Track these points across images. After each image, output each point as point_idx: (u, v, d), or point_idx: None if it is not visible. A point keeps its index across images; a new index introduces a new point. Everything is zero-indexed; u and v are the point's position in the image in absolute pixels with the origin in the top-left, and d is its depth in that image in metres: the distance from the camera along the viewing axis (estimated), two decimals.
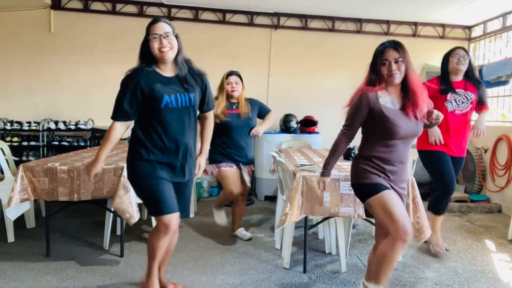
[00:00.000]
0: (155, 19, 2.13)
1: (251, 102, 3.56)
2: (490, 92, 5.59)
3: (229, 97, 3.45)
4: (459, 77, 3.26)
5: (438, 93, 3.17)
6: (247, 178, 3.54)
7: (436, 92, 3.14)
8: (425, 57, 5.86)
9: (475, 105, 3.27)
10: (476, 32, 6.02)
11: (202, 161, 2.42)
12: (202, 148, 2.45)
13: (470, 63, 3.26)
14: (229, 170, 3.42)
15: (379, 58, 2.08)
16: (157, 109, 2.11)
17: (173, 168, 2.21)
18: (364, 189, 2.15)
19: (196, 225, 4.04)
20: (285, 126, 5.44)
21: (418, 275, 2.93)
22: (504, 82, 5.01)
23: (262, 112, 3.63)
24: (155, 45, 2.08)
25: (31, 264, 2.94)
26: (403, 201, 2.17)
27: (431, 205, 3.35)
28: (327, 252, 3.32)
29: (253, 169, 3.69)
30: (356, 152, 3.41)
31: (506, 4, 4.99)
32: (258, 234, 3.82)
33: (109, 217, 3.26)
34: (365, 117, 2.12)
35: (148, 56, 2.13)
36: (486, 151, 5.23)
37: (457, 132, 3.24)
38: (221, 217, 3.61)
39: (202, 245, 3.44)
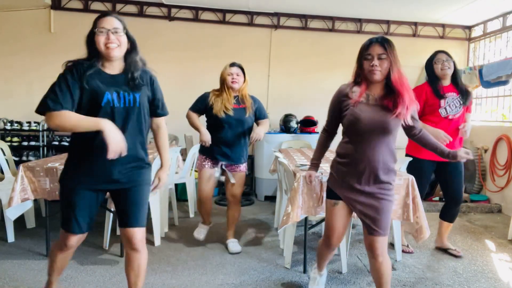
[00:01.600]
0: (105, 13, 1.93)
1: (253, 99, 3.32)
2: (490, 92, 5.60)
3: (229, 89, 3.20)
4: (447, 81, 3.19)
5: (431, 99, 3.14)
6: (232, 180, 3.26)
7: (429, 99, 3.15)
8: (425, 57, 5.72)
9: (466, 109, 3.21)
10: (476, 32, 6.02)
11: (162, 175, 2.19)
12: (162, 161, 2.22)
13: (455, 66, 3.18)
14: (206, 170, 3.24)
15: (363, 52, 2.02)
16: (96, 108, 1.86)
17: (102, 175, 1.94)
18: (327, 188, 2.24)
19: (196, 225, 4.03)
20: (285, 126, 5.44)
21: (418, 275, 2.93)
22: (504, 82, 5.01)
23: (259, 115, 3.33)
24: (100, 40, 1.86)
25: (31, 264, 2.94)
26: (370, 208, 2.07)
27: (443, 214, 3.37)
28: None
29: (243, 170, 3.33)
30: None
31: (506, 4, 4.99)
32: (258, 234, 3.82)
33: (109, 217, 3.26)
34: (338, 111, 2.12)
35: (92, 51, 1.90)
36: (486, 151, 5.23)
37: (452, 136, 3.15)
38: (199, 231, 3.43)
39: (202, 245, 3.44)
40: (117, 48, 1.89)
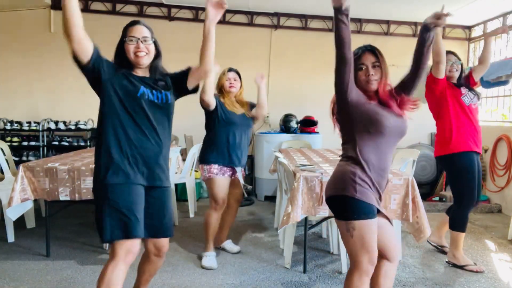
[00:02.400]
0: (134, 21, 2.00)
1: (249, 104, 3.28)
2: (490, 92, 5.60)
3: (228, 94, 3.14)
4: (453, 81, 3.13)
5: (450, 88, 3.00)
6: (242, 182, 3.19)
7: (448, 88, 3.00)
8: None
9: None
10: (476, 32, 6.02)
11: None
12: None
13: (461, 68, 3.13)
14: (221, 178, 3.04)
15: (356, 62, 1.86)
16: (133, 99, 1.92)
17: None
18: (353, 204, 1.79)
19: (196, 225, 4.04)
20: (285, 126, 5.44)
21: (418, 275, 2.93)
22: (504, 82, 5.01)
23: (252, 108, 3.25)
24: (130, 48, 1.94)
25: (31, 264, 2.94)
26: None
27: (455, 223, 3.06)
28: (331, 251, 3.32)
29: (245, 173, 3.32)
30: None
31: (506, 4, 4.99)
32: (258, 234, 3.82)
33: None
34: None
35: (122, 59, 1.98)
36: (486, 151, 5.23)
37: (476, 127, 3.03)
38: (211, 260, 3.02)
39: (202, 245, 3.43)
40: (146, 56, 1.96)
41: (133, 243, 1.88)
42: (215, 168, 3.01)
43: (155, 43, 2.02)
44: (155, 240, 2.05)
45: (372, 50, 1.90)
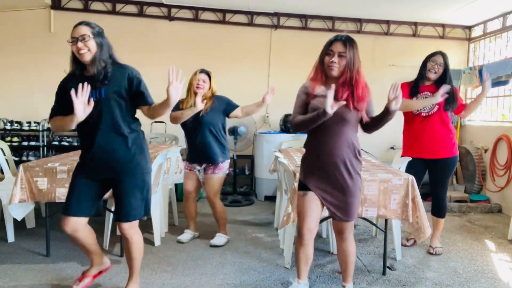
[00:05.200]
0: (77, 23, 2.19)
1: (217, 98, 3.37)
2: (490, 92, 5.58)
3: (194, 94, 3.25)
4: (429, 82, 3.23)
5: (405, 96, 3.15)
6: (201, 179, 3.47)
7: (407, 92, 3.23)
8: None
9: (442, 106, 3.19)
10: (476, 32, 6.02)
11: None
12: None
13: (446, 71, 3.16)
14: (187, 172, 3.49)
15: (327, 48, 2.13)
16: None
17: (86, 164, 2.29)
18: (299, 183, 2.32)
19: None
20: (285, 126, 5.44)
21: (418, 275, 2.93)
22: (504, 82, 5.01)
23: (229, 109, 3.38)
24: (74, 49, 2.16)
25: (31, 264, 2.94)
26: (334, 198, 2.20)
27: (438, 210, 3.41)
28: (331, 251, 3.32)
29: (216, 172, 3.38)
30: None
31: (506, 4, 4.99)
32: (258, 234, 3.82)
33: (109, 217, 3.26)
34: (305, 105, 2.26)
35: (76, 61, 2.22)
36: (486, 151, 5.23)
37: (428, 134, 3.22)
38: (186, 236, 3.54)
39: (202, 245, 3.44)
40: (87, 53, 2.15)
41: None
42: (185, 164, 3.52)
43: (99, 36, 2.18)
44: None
45: (344, 40, 2.08)
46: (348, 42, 2.08)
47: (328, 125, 2.12)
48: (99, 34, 2.20)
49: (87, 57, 2.15)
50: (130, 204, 2.26)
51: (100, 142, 2.21)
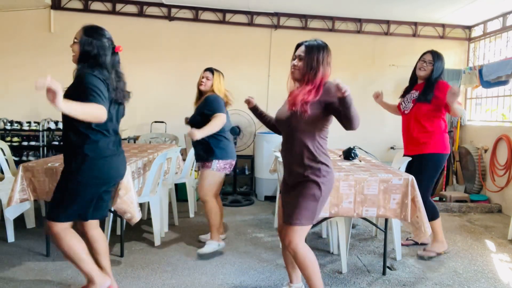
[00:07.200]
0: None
1: (206, 98, 3.25)
2: (490, 92, 5.60)
3: (199, 91, 3.41)
4: (421, 80, 3.30)
5: (404, 93, 3.45)
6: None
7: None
8: None
9: (414, 103, 3.23)
10: (476, 32, 6.02)
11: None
12: None
13: (434, 70, 3.16)
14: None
15: (294, 52, 2.20)
16: None
17: None
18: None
19: (196, 225, 4.04)
20: None
21: (418, 275, 2.93)
22: (504, 82, 5.01)
23: (207, 112, 3.18)
24: None
25: (31, 264, 2.94)
26: (288, 194, 2.17)
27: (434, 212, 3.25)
28: (331, 251, 3.32)
29: (203, 169, 3.27)
30: (356, 151, 3.44)
31: (506, 4, 4.99)
32: (258, 234, 3.82)
33: (109, 217, 3.25)
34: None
35: None
36: (486, 151, 5.23)
37: (406, 131, 3.35)
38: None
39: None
40: (73, 57, 2.16)
41: None
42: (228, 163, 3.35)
43: (85, 42, 2.11)
44: None
45: (306, 44, 2.15)
46: (308, 46, 2.14)
47: (282, 130, 2.22)
48: (83, 40, 2.16)
49: (73, 60, 2.18)
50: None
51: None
